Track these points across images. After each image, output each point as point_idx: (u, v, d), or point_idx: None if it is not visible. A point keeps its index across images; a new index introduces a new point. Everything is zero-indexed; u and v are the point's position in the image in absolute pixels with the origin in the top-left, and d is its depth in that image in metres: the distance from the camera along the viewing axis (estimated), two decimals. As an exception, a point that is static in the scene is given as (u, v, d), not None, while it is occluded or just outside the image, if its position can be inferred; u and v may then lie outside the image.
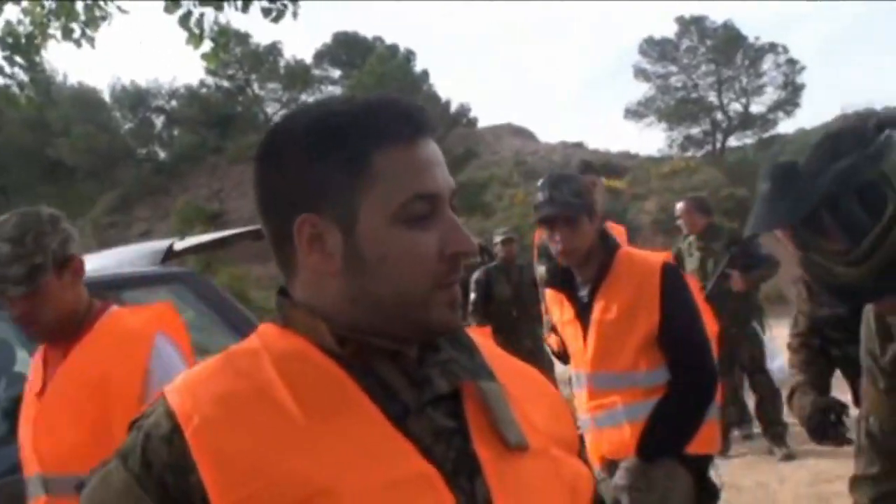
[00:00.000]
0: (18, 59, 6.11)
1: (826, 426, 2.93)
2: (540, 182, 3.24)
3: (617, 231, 5.13)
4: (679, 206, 7.72)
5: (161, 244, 5.10)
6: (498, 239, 8.24)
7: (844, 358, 2.93)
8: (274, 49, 41.53)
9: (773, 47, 45.05)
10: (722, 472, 6.26)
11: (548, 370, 8.03)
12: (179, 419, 0.98)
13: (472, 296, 7.89)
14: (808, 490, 5.68)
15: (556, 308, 3.42)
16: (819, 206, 2.15)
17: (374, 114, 1.05)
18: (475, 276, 8.00)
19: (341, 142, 1.04)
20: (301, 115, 1.09)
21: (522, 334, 7.76)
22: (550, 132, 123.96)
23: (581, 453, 1.19)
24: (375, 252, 1.03)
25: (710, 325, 3.40)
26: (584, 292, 3.24)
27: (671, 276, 3.15)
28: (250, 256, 27.14)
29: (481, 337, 1.19)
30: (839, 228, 2.17)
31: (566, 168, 39.68)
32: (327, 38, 45.15)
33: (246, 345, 1.08)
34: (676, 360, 3.10)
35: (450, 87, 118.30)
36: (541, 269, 7.09)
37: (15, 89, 6.18)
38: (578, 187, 3.15)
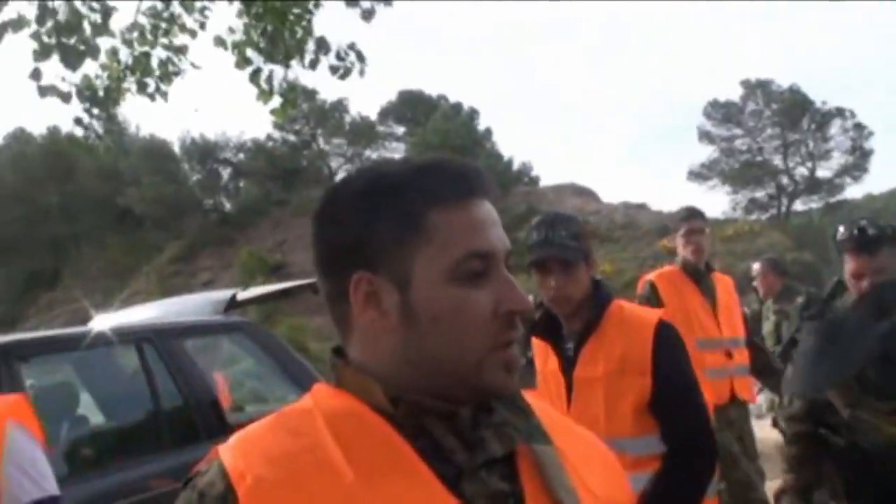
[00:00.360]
0: (96, 111, 6.31)
1: None
2: (535, 221, 2.98)
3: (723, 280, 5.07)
4: (755, 266, 7.54)
5: (224, 294, 5.18)
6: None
7: (849, 448, 2.55)
8: (340, 105, 42.27)
9: (840, 112, 44.65)
10: None
11: None
12: (233, 479, 0.99)
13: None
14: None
15: (540, 357, 3.10)
16: (866, 366, 2.09)
17: (429, 174, 1.06)
18: None
19: (396, 201, 1.05)
20: (359, 174, 1.11)
21: None
22: (613, 192, 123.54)
23: None
24: (430, 310, 1.03)
25: (707, 394, 3.04)
26: (569, 345, 2.94)
27: (666, 334, 2.82)
28: (310, 308, 27.35)
29: (537, 400, 1.18)
30: (886, 387, 2.11)
31: (630, 229, 39.34)
32: (392, 96, 45.78)
33: (299, 404, 1.08)
34: (673, 427, 2.77)
35: (513, 145, 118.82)
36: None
37: (93, 140, 6.38)
38: (578, 230, 2.90)
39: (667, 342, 2.80)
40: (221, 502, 0.99)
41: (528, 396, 1.15)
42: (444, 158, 1.09)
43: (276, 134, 42.87)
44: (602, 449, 1.20)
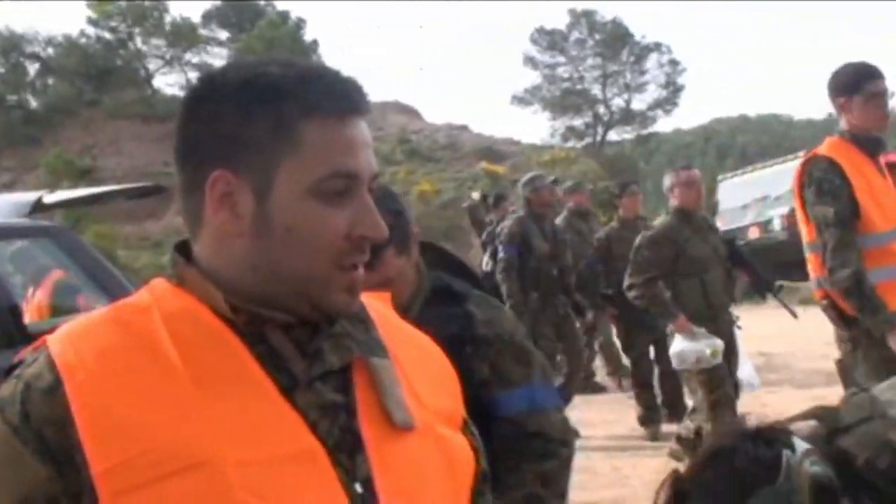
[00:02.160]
0: None
1: None
2: None
3: None
4: None
5: (29, 196, 4.94)
6: (565, 185, 8.12)
7: None
8: (160, 4, 40.36)
9: (657, 46, 46.21)
10: (577, 454, 6.47)
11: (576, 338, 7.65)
12: (61, 372, 0.96)
13: (504, 251, 7.19)
14: (658, 477, 5.91)
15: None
16: None
17: (311, 82, 1.03)
18: (507, 226, 7.36)
19: (273, 104, 1.02)
20: (239, 68, 1.07)
21: (559, 297, 7.29)
22: (436, 113, 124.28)
23: (466, 427, 1.20)
24: (284, 221, 1.02)
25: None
26: None
27: None
28: (119, 216, 26.39)
29: (379, 303, 1.18)
30: None
31: (451, 150, 39.65)
32: (216, -2, 44.05)
33: (135, 299, 1.05)
34: None
35: (339, 59, 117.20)
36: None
37: None
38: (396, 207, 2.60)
39: None
40: (49, 395, 0.95)
41: (370, 301, 1.16)
42: (329, 70, 1.07)
43: (91, 30, 40.62)
44: (438, 357, 1.22)
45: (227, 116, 1.03)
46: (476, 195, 10.32)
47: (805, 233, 3.89)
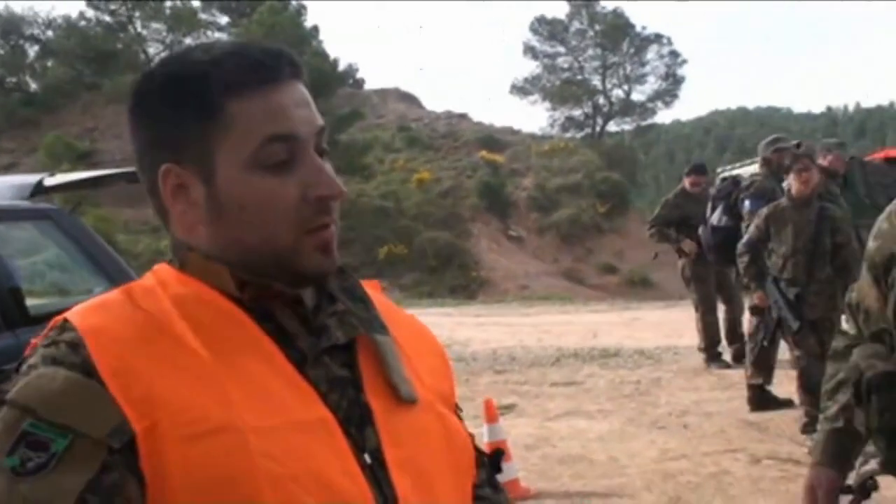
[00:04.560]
0: None
1: None
2: None
3: None
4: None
5: (29, 178, 4.94)
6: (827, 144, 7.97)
7: None
8: (161, -12, 40.25)
9: (658, 38, 46.21)
10: (574, 443, 6.50)
11: None
12: (82, 333, 0.98)
13: (751, 204, 7.13)
14: (655, 466, 5.93)
15: None
16: None
17: (227, 62, 1.05)
18: (756, 182, 7.41)
19: (194, 91, 1.04)
20: (162, 65, 1.10)
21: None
22: (436, 101, 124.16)
23: (458, 412, 1.23)
24: (234, 200, 1.04)
25: None
26: None
27: None
28: (120, 199, 26.36)
29: (372, 290, 1.20)
30: None
31: (450, 139, 39.53)
32: (217, -17, 43.85)
33: (142, 283, 1.07)
34: None
35: (340, 46, 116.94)
36: None
37: None
38: None
39: None
40: (73, 348, 0.97)
41: (366, 287, 1.18)
42: (245, 45, 1.09)
43: (90, 13, 40.52)
44: (432, 340, 1.26)
45: (161, 113, 1.06)
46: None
47: None
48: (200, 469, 0.94)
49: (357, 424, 1.05)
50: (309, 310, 1.09)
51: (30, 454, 0.93)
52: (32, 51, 41.93)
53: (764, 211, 6.64)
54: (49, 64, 41.40)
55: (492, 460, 1.27)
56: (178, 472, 0.94)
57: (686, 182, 9.29)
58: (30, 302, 4.61)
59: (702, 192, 8.98)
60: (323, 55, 36.46)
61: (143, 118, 1.08)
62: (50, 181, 4.88)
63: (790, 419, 6.61)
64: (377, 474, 1.04)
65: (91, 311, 1.02)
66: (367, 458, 1.04)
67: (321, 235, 1.06)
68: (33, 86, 40.94)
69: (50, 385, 0.96)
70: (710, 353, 8.98)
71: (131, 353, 0.97)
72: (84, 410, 0.95)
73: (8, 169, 29.50)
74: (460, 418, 1.23)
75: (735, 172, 9.13)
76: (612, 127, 47.88)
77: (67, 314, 1.02)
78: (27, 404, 0.95)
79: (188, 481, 0.94)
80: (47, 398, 0.95)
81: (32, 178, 4.88)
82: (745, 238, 6.80)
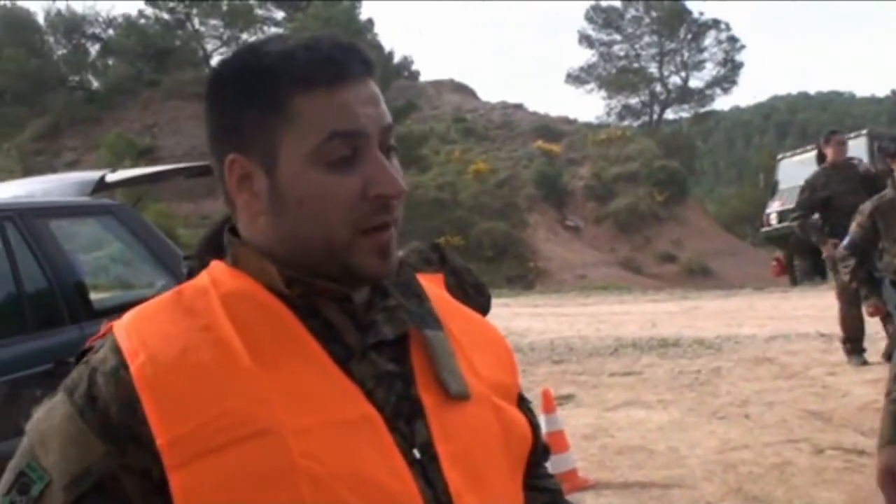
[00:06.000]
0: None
1: None
2: None
3: None
4: None
5: (92, 175, 5.02)
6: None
7: None
8: (217, -15, 40.68)
9: (716, 23, 45.55)
10: (633, 434, 6.46)
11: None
12: (126, 355, 0.99)
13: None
14: (716, 457, 5.87)
15: None
16: None
17: (298, 56, 1.06)
18: (868, 206, 6.31)
19: (264, 83, 1.05)
20: (235, 55, 1.11)
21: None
22: (491, 91, 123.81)
23: (523, 403, 1.21)
24: (294, 194, 1.04)
25: None
26: None
27: None
28: (180, 194, 26.76)
29: (432, 284, 1.20)
30: None
31: (506, 129, 39.45)
32: (273, -22, 44.22)
33: (195, 283, 1.08)
34: None
35: (394, 38, 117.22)
36: None
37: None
38: None
39: None
40: (114, 378, 0.99)
41: (424, 281, 1.18)
42: (318, 39, 1.09)
43: (149, 11, 41.12)
44: (493, 333, 1.24)
45: (230, 102, 1.08)
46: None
47: None
48: (237, 473, 0.94)
49: (407, 419, 1.05)
50: (358, 305, 1.08)
51: (16, 497, 0.98)
52: (94, 49, 42.68)
53: (868, 206, 5.90)
54: (110, 62, 42.09)
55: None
56: (209, 480, 0.94)
57: (829, 151, 8.05)
58: (93, 296, 4.69)
59: (846, 163, 7.99)
60: (377, 48, 36.59)
61: (215, 106, 1.10)
62: (111, 177, 4.96)
63: (854, 409, 6.50)
64: (427, 469, 1.03)
65: (137, 324, 1.04)
66: (416, 453, 1.03)
67: (379, 237, 1.06)
68: (95, 84, 41.65)
69: (49, 422, 1.00)
70: (848, 346, 8.07)
71: (173, 370, 0.98)
72: (63, 453, 0.97)
73: (71, 166, 30.06)
74: (528, 409, 1.21)
75: (796, 159, 8.89)
76: (669, 115, 47.39)
77: (115, 326, 1.04)
78: (31, 440, 1.00)
79: (223, 487, 0.94)
80: (43, 437, 1.00)
81: (94, 175, 4.96)
82: (847, 240, 6.08)
